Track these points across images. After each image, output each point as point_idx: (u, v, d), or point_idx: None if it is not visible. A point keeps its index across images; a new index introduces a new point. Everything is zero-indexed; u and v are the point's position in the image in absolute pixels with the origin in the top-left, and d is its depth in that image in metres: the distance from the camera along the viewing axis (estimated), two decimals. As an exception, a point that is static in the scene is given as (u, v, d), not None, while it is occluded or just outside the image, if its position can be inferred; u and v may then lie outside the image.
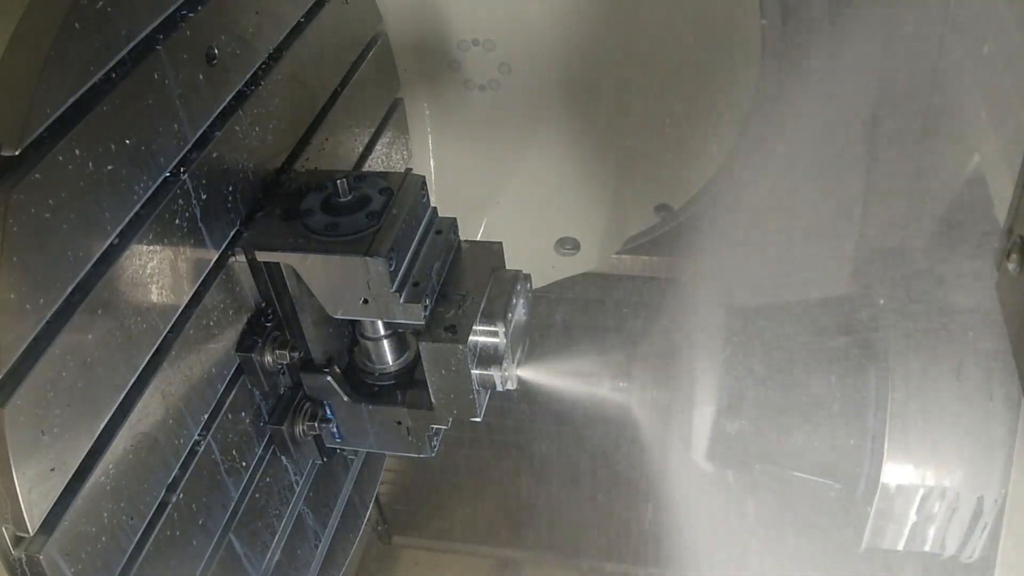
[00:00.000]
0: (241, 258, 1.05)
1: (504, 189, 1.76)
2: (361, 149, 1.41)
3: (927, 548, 1.28)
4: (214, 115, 1.01)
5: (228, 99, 1.04)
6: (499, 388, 1.11)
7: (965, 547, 1.27)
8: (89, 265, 0.83)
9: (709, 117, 1.64)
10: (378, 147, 1.45)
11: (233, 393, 1.08)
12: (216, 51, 1.01)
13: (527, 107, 1.66)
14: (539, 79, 1.62)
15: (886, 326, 1.27)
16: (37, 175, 0.75)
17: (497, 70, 1.63)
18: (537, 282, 1.25)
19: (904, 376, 1.23)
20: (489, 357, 1.08)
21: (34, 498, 0.77)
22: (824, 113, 1.53)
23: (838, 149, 1.56)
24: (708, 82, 1.60)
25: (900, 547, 1.29)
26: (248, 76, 1.08)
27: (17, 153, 0.73)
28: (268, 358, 1.10)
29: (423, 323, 1.04)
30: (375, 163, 1.43)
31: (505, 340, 1.08)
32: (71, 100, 0.79)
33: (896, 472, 1.23)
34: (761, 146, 1.59)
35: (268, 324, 1.10)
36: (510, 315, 1.09)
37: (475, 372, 1.07)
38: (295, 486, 1.25)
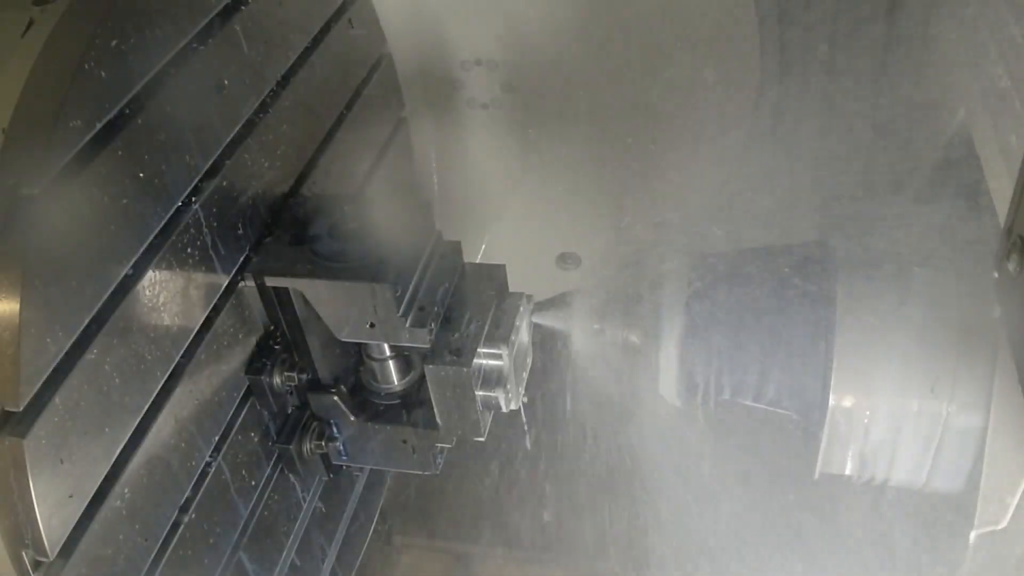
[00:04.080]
0: (251, 283, 1.07)
1: (507, 206, 1.78)
2: (367, 170, 1.42)
3: (877, 474, 1.32)
4: (224, 144, 1.03)
5: (237, 128, 1.06)
6: (503, 409, 1.13)
7: (913, 473, 1.30)
8: (105, 296, 0.85)
9: (711, 133, 1.66)
10: (383, 167, 1.46)
11: (243, 414, 1.10)
12: (225, 81, 1.03)
13: (529, 125, 1.68)
14: (541, 98, 1.64)
15: (836, 264, 1.32)
16: (56, 213, 0.78)
17: (499, 89, 1.65)
18: (539, 297, 1.27)
19: (850, 307, 1.28)
20: (493, 379, 1.10)
21: (54, 524, 0.79)
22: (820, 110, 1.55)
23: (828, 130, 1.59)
24: (709, 98, 1.62)
25: (849, 472, 1.33)
26: (257, 104, 1.10)
27: (37, 192, 0.76)
28: (277, 380, 1.12)
29: (429, 346, 1.06)
30: (380, 184, 1.45)
31: (508, 362, 1.10)
32: (87, 138, 0.81)
33: (843, 398, 1.28)
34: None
35: (277, 347, 1.12)
36: (513, 338, 1.11)
37: (479, 393, 1.09)
38: (302, 503, 1.27)
